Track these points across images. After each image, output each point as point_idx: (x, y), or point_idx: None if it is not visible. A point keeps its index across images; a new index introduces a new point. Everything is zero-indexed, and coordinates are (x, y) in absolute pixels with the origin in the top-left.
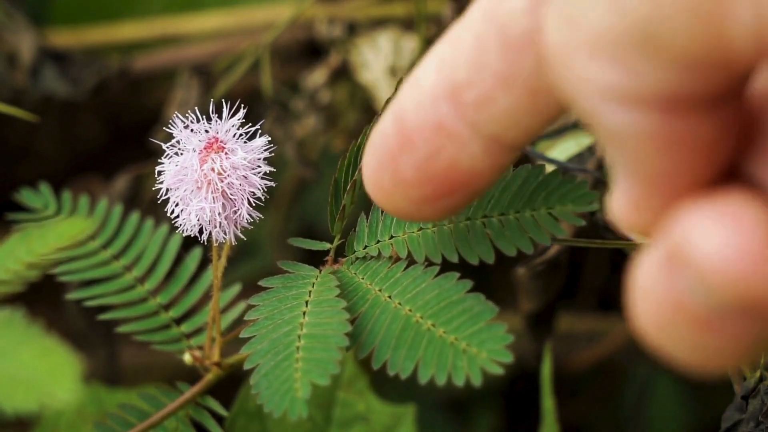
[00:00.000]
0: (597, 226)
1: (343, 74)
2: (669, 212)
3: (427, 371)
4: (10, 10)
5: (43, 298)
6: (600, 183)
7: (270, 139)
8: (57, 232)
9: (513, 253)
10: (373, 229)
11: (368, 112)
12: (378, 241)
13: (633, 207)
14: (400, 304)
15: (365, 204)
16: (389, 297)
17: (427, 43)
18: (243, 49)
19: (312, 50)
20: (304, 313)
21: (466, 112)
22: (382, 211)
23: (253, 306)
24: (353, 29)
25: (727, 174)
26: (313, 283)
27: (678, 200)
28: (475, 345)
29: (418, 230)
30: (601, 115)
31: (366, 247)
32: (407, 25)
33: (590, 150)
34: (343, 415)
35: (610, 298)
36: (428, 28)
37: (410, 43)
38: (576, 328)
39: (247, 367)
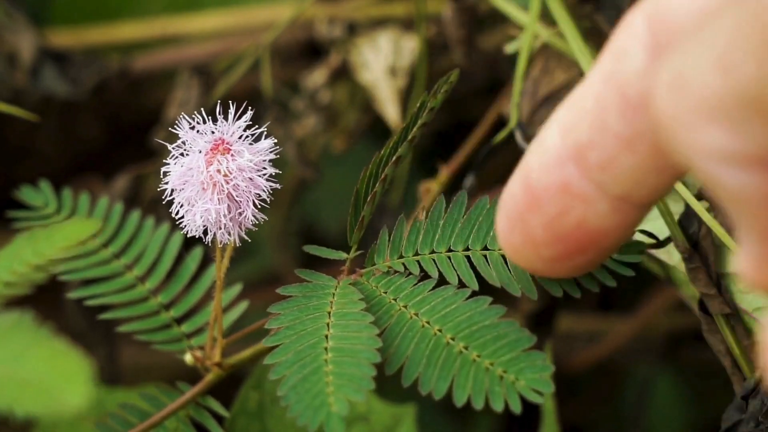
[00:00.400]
0: None
1: (343, 74)
2: None
3: (463, 393)
4: (10, 10)
5: (43, 297)
6: None
7: (275, 141)
8: (63, 233)
9: (559, 294)
10: (396, 245)
11: (368, 112)
12: (401, 256)
13: (760, 265)
14: (428, 323)
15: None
16: (416, 314)
17: (427, 43)
18: (243, 49)
19: (312, 50)
20: (327, 325)
21: (592, 173)
22: (408, 227)
23: (273, 315)
24: (353, 29)
25: None
26: (333, 293)
27: None
28: (513, 372)
29: (447, 251)
30: (718, 177)
31: (387, 261)
32: (407, 25)
33: None
34: None
35: (610, 298)
36: (428, 28)
37: (410, 43)
38: (576, 328)
39: (273, 377)
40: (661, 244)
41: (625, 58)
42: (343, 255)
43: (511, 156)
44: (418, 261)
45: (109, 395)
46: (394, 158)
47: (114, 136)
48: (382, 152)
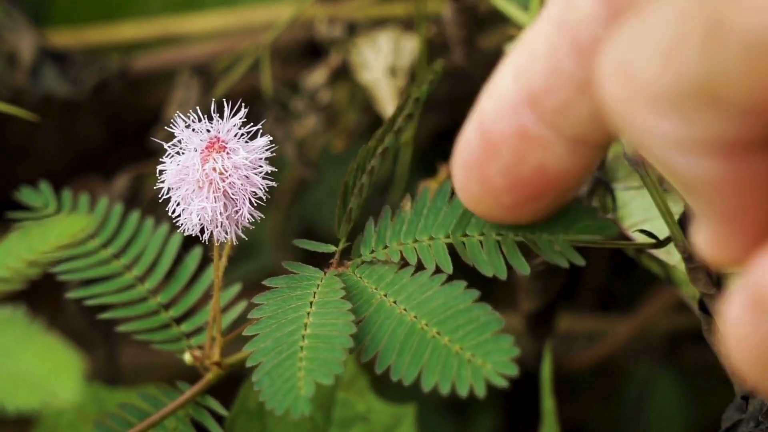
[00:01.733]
0: None
1: (343, 74)
2: (753, 250)
3: (431, 379)
4: (10, 10)
5: (43, 297)
6: (600, 183)
7: (270, 139)
8: (58, 229)
9: (527, 272)
10: (382, 235)
11: (368, 112)
12: (386, 246)
13: (717, 245)
14: (405, 309)
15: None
16: (395, 302)
17: (427, 43)
18: (243, 49)
19: (312, 50)
20: (308, 314)
21: (548, 117)
22: (392, 217)
23: (257, 305)
24: (353, 29)
25: None
26: (318, 285)
27: (762, 237)
28: (480, 356)
29: (429, 239)
30: (669, 163)
31: (373, 251)
32: (407, 25)
33: None
34: (343, 415)
35: (610, 298)
36: (428, 28)
37: (410, 43)
38: (576, 328)
39: (249, 364)
40: (661, 244)
41: (575, 3)
42: (332, 248)
43: None
44: (400, 250)
45: (109, 395)
46: (380, 150)
47: (114, 136)
48: (368, 144)
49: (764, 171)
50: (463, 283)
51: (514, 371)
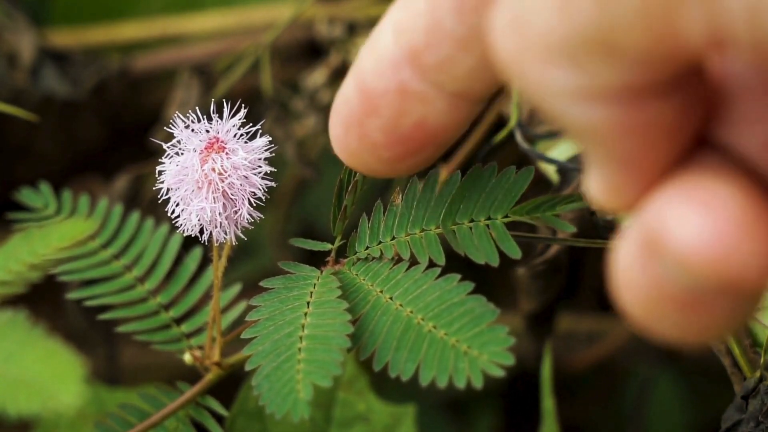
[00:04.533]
0: (597, 226)
1: (343, 74)
2: (646, 195)
3: (429, 373)
4: (10, 10)
5: (43, 297)
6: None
7: (270, 139)
8: (59, 232)
9: (518, 255)
10: (375, 230)
11: None
12: (380, 242)
13: (611, 191)
14: (401, 305)
15: (366, 205)
16: (391, 298)
17: None
18: (243, 49)
19: (312, 50)
20: (305, 314)
21: (428, 74)
22: (384, 212)
23: (255, 306)
24: (353, 29)
25: (700, 145)
26: (315, 284)
27: (654, 181)
28: (476, 347)
29: (421, 231)
30: (565, 114)
31: (368, 248)
32: None
33: None
34: (343, 415)
35: (610, 298)
36: None
37: None
38: (576, 328)
39: (248, 368)
40: None
41: None
42: (328, 246)
43: (511, 156)
44: (393, 245)
45: (109, 395)
46: None
47: (114, 136)
48: None
49: (655, 116)
50: (457, 276)
51: (510, 361)
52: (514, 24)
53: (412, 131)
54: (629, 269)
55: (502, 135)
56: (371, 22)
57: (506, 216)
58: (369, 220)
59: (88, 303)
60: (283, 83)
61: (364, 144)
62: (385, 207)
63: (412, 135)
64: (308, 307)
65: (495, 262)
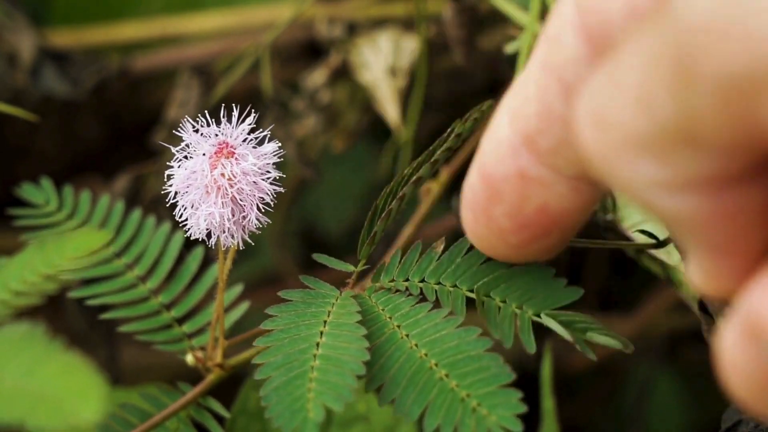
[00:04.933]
0: (597, 226)
1: (343, 74)
2: (746, 279)
3: (433, 421)
4: (10, 10)
5: (43, 297)
6: None
7: (279, 145)
8: (74, 243)
9: (533, 351)
10: (406, 267)
11: (368, 112)
12: (407, 279)
13: (709, 278)
14: (416, 345)
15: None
16: (407, 336)
17: (427, 43)
18: (243, 49)
19: (312, 50)
20: (321, 333)
21: (545, 158)
22: (421, 254)
23: (270, 316)
24: (353, 29)
25: None
26: (333, 303)
27: (753, 266)
28: (486, 406)
29: (452, 286)
30: (654, 204)
31: (393, 280)
32: (407, 25)
33: None
34: (343, 415)
35: (610, 298)
36: (428, 28)
37: (410, 43)
38: None
39: (258, 377)
40: (660, 244)
41: (559, 45)
42: (351, 267)
43: None
44: (421, 288)
45: (109, 395)
46: (414, 178)
47: (114, 136)
48: (405, 171)
49: (744, 203)
50: (478, 330)
51: (518, 428)
52: (595, 119)
53: (536, 216)
54: (734, 353)
55: None
56: (371, 22)
57: (538, 315)
58: (402, 256)
59: (89, 302)
60: (283, 83)
61: (492, 230)
62: (424, 249)
63: (536, 220)
64: (325, 326)
65: (508, 345)
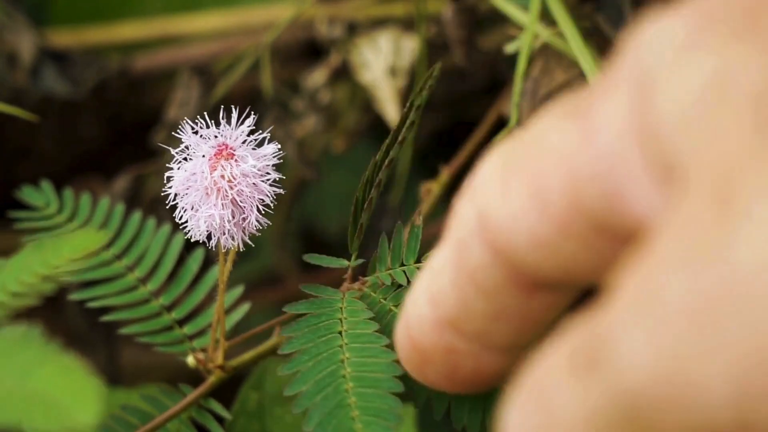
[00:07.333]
0: None
1: (343, 74)
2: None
3: (462, 417)
4: (10, 10)
5: (42, 298)
6: None
7: (279, 147)
8: (72, 243)
9: None
10: (397, 252)
11: (368, 112)
12: (402, 264)
13: None
14: None
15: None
16: None
17: (427, 43)
18: (243, 49)
19: (312, 50)
20: (341, 347)
21: (470, 338)
22: (408, 235)
23: (288, 337)
24: (353, 29)
25: None
26: (341, 308)
27: None
28: None
29: None
30: None
31: (389, 269)
32: (407, 25)
33: None
34: None
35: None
36: (428, 28)
37: (410, 43)
38: None
39: (295, 411)
40: None
41: (467, 251)
42: (345, 263)
43: None
44: (417, 269)
45: (109, 396)
46: (387, 161)
47: (114, 136)
48: (376, 158)
49: None
50: None
51: None
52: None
53: (470, 378)
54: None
55: (502, 135)
56: (371, 22)
57: None
58: (390, 242)
59: (90, 304)
60: (283, 83)
61: (428, 381)
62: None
63: (470, 381)
64: (342, 337)
65: None
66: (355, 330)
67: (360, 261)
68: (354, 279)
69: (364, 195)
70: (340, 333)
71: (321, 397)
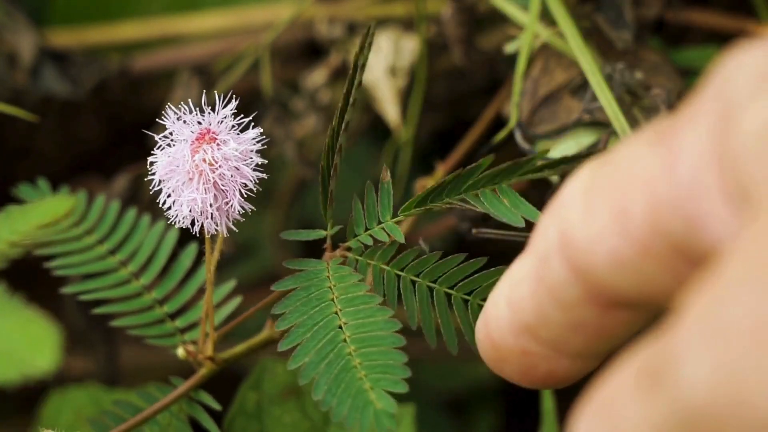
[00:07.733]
0: None
1: (343, 74)
2: None
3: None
4: (10, 10)
5: (42, 298)
6: None
7: (263, 132)
8: (39, 210)
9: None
10: (372, 211)
11: (368, 112)
12: (380, 222)
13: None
14: (434, 282)
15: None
16: (417, 276)
17: (427, 43)
18: (243, 49)
19: (312, 50)
20: (336, 313)
21: (546, 344)
22: (377, 192)
23: (279, 315)
24: (353, 29)
25: None
26: (328, 277)
27: None
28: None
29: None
30: None
31: (367, 229)
32: (407, 25)
33: (589, 150)
34: None
35: None
36: (428, 28)
37: (410, 43)
38: None
39: (302, 383)
40: None
41: (548, 266)
42: (322, 233)
43: (511, 156)
44: (397, 223)
45: (107, 396)
46: (343, 126)
47: (114, 136)
48: (332, 123)
49: None
50: (484, 259)
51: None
52: None
53: (545, 379)
54: None
55: (501, 135)
56: (371, 22)
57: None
58: (363, 202)
59: (84, 297)
60: (283, 83)
61: (505, 375)
62: (375, 186)
63: (544, 381)
64: (335, 304)
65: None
66: (346, 295)
67: (337, 228)
68: (334, 247)
69: (328, 162)
70: (332, 300)
71: (325, 364)
